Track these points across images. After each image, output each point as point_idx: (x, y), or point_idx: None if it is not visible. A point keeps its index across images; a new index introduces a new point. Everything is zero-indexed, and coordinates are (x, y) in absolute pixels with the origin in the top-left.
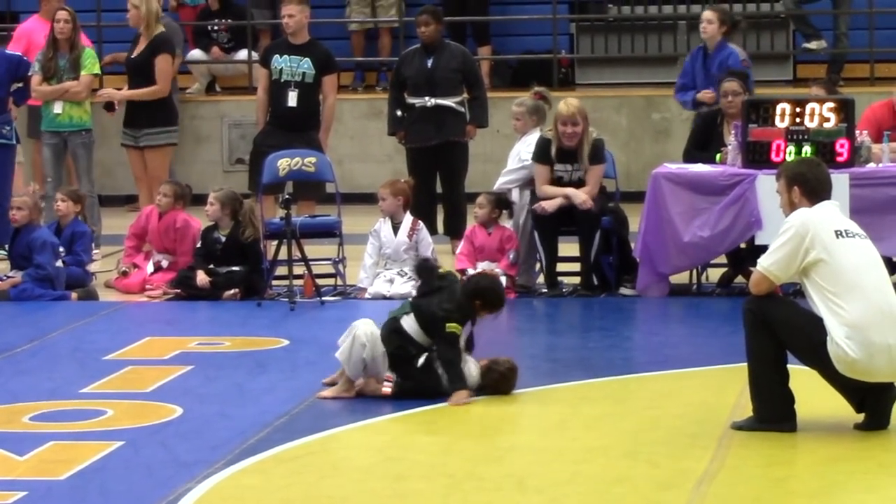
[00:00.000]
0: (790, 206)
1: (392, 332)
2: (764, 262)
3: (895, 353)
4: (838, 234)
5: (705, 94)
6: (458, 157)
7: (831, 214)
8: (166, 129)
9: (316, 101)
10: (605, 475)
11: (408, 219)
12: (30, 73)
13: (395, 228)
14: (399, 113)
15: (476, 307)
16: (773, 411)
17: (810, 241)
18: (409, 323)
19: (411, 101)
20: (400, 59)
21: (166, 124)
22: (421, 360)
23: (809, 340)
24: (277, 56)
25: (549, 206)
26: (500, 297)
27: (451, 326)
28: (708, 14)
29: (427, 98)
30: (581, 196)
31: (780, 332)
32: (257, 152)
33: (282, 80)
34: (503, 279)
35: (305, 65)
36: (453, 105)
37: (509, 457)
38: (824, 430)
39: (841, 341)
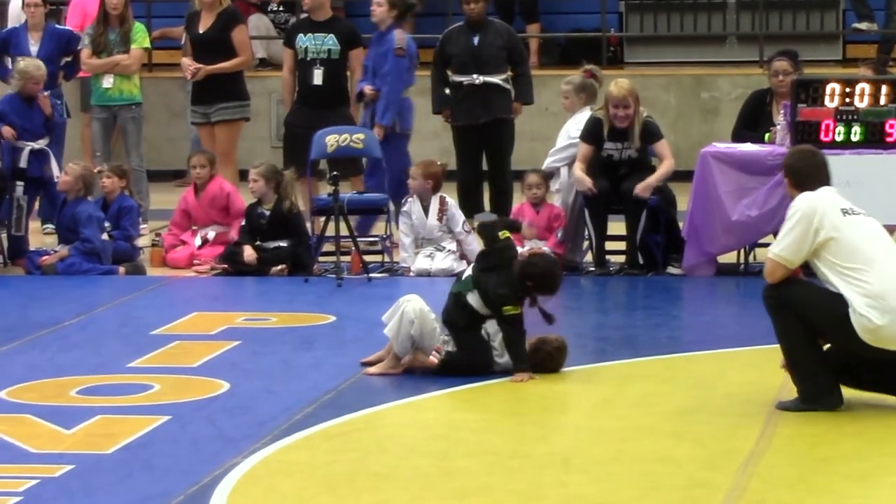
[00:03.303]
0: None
1: (459, 307)
2: (775, 249)
3: None
4: (845, 212)
5: (366, 89)
6: (506, 135)
7: (835, 195)
8: (240, 104)
9: (343, 77)
10: (651, 454)
11: (435, 200)
12: (79, 48)
13: (425, 210)
14: (447, 91)
15: (528, 289)
16: (815, 388)
17: (819, 222)
18: (474, 299)
19: (458, 79)
20: (443, 37)
21: (240, 98)
22: (482, 331)
23: (832, 313)
24: (301, 35)
25: (590, 185)
26: (552, 282)
27: (508, 309)
28: None
29: (475, 76)
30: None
31: (802, 312)
32: (289, 133)
33: (307, 59)
34: None
35: (330, 41)
36: (500, 82)
37: (554, 435)
38: (871, 408)
39: (863, 311)
